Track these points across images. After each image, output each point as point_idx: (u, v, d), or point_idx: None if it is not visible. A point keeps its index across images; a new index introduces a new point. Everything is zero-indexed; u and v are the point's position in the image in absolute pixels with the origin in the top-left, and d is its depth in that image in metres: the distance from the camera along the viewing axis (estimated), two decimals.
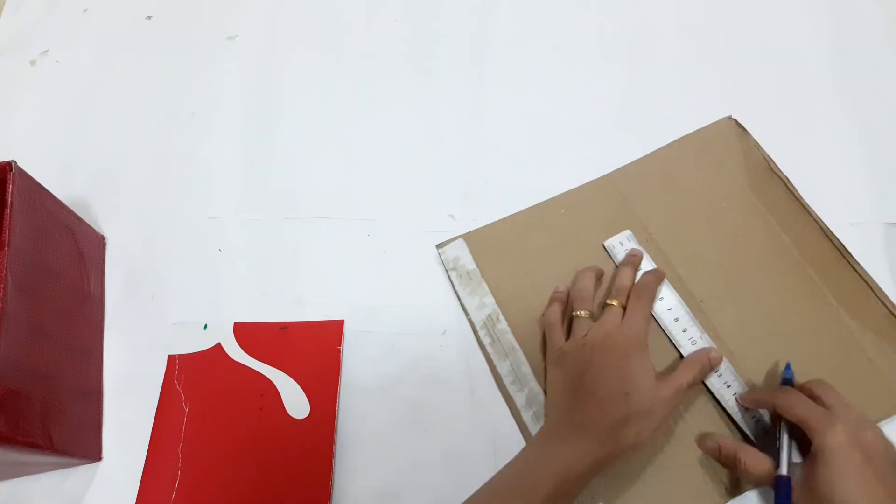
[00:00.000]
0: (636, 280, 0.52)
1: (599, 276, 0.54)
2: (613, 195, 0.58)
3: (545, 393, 0.51)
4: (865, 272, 0.52)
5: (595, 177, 0.60)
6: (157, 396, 0.53)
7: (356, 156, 0.63)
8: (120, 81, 0.70)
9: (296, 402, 0.53)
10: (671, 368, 0.49)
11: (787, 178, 0.57)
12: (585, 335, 0.48)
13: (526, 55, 0.67)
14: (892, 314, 0.51)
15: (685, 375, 0.47)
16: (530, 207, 0.59)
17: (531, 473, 0.44)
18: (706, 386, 0.50)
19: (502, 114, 0.64)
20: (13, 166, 0.48)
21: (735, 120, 0.61)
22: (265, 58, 0.69)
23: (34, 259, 0.49)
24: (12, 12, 0.75)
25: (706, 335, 0.51)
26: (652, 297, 0.50)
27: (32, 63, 0.72)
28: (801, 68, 0.64)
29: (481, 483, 0.45)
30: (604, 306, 0.50)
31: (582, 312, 0.50)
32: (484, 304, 0.55)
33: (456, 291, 0.56)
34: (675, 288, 0.53)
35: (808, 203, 0.56)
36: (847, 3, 0.66)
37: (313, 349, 0.54)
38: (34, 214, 0.50)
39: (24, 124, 0.68)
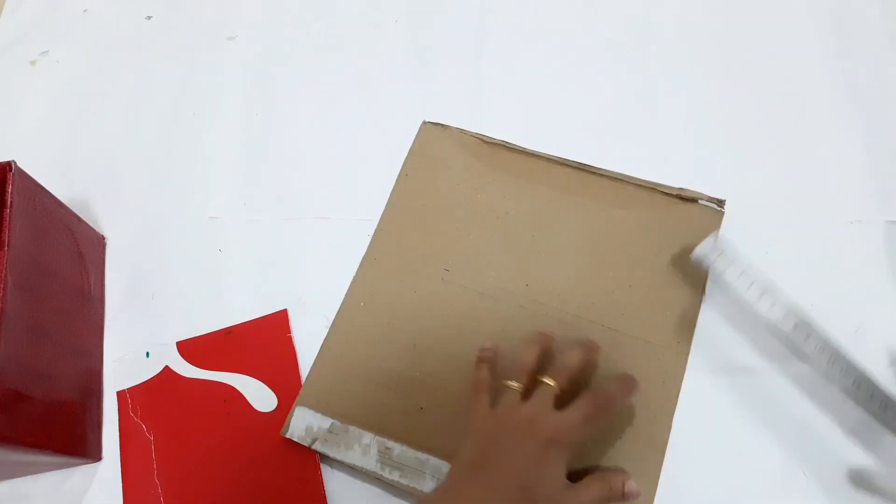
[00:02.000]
0: (620, 377, 0.46)
1: (546, 349, 0.47)
2: None
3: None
4: (610, 171, 0.56)
5: None
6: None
7: (356, 156, 0.63)
8: (120, 81, 0.70)
9: (261, 397, 0.53)
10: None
11: (503, 141, 0.58)
12: (511, 412, 0.44)
13: (525, 55, 0.67)
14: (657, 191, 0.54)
15: (589, 492, 0.42)
16: None
17: None
18: None
19: (502, 113, 0.64)
20: (13, 166, 0.48)
21: (430, 122, 0.61)
22: (265, 58, 0.69)
23: (34, 259, 0.49)
24: (12, 12, 0.75)
25: None
26: (612, 410, 0.44)
27: (32, 63, 0.72)
28: (800, 67, 0.64)
29: None
30: (538, 382, 0.45)
31: (513, 384, 0.45)
32: None
33: None
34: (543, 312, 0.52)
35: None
36: (847, 2, 0.66)
37: (264, 344, 0.55)
38: (34, 214, 0.50)
39: (24, 124, 0.68)
